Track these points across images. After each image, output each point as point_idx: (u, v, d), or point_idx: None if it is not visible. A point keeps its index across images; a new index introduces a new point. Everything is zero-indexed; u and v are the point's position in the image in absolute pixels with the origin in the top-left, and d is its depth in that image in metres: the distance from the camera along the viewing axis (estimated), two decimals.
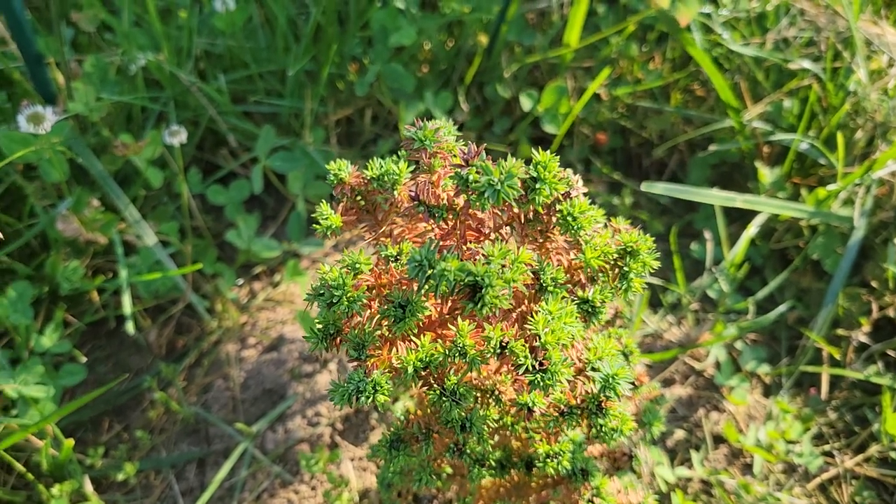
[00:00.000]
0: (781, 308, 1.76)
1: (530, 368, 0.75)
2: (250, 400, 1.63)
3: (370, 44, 2.06)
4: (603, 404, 0.84)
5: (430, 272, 0.69)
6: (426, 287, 0.72)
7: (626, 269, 0.85)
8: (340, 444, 1.55)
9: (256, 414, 1.61)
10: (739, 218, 1.95)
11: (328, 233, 0.92)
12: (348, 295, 0.78)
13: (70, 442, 1.41)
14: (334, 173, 0.94)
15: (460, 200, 0.78)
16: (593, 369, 0.84)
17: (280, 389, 1.63)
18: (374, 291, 0.82)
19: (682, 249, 1.96)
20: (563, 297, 0.82)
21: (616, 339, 1.12)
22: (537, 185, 0.74)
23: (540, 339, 0.76)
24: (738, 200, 1.62)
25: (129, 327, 1.58)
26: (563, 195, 0.83)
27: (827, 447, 1.60)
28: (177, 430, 1.61)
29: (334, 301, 0.77)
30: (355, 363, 0.80)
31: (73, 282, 1.67)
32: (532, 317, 0.77)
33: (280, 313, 1.79)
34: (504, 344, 0.76)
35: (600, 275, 0.87)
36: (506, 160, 0.70)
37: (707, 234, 1.85)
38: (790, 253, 1.91)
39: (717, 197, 1.62)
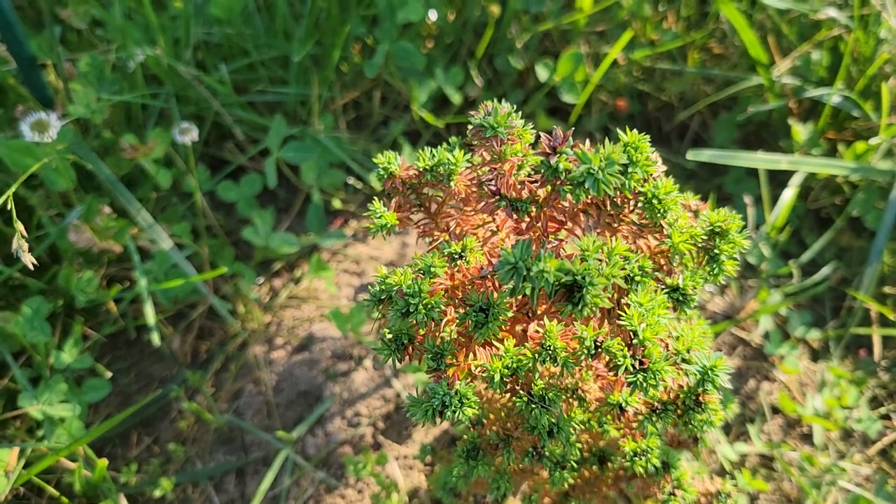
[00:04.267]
0: (826, 270, 1.71)
1: (630, 369, 0.69)
2: (285, 404, 1.56)
3: (373, 23, 1.97)
4: (701, 398, 0.78)
5: (525, 274, 0.62)
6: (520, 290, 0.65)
7: (715, 251, 0.78)
8: (383, 443, 1.49)
9: (293, 418, 1.54)
10: (772, 179, 1.89)
11: (383, 232, 0.85)
12: (424, 302, 0.71)
13: (104, 462, 1.34)
14: (383, 167, 0.87)
15: (542, 192, 0.71)
16: (684, 361, 0.78)
17: (315, 391, 1.56)
18: (448, 292, 0.75)
19: None
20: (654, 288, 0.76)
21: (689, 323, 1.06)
22: (629, 170, 0.67)
23: (637, 335, 0.70)
24: (784, 163, 1.55)
25: (155, 339, 1.51)
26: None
27: (883, 409, 1.55)
28: (211, 440, 1.55)
29: (410, 311, 0.70)
30: (434, 374, 0.73)
31: (89, 293, 1.59)
32: (623, 311, 0.71)
33: (306, 311, 1.72)
34: (599, 343, 0.70)
35: (684, 258, 0.80)
36: (603, 146, 0.63)
37: (748, 199, 1.78)
38: (827, 211, 1.85)
39: (762, 161, 1.55)
